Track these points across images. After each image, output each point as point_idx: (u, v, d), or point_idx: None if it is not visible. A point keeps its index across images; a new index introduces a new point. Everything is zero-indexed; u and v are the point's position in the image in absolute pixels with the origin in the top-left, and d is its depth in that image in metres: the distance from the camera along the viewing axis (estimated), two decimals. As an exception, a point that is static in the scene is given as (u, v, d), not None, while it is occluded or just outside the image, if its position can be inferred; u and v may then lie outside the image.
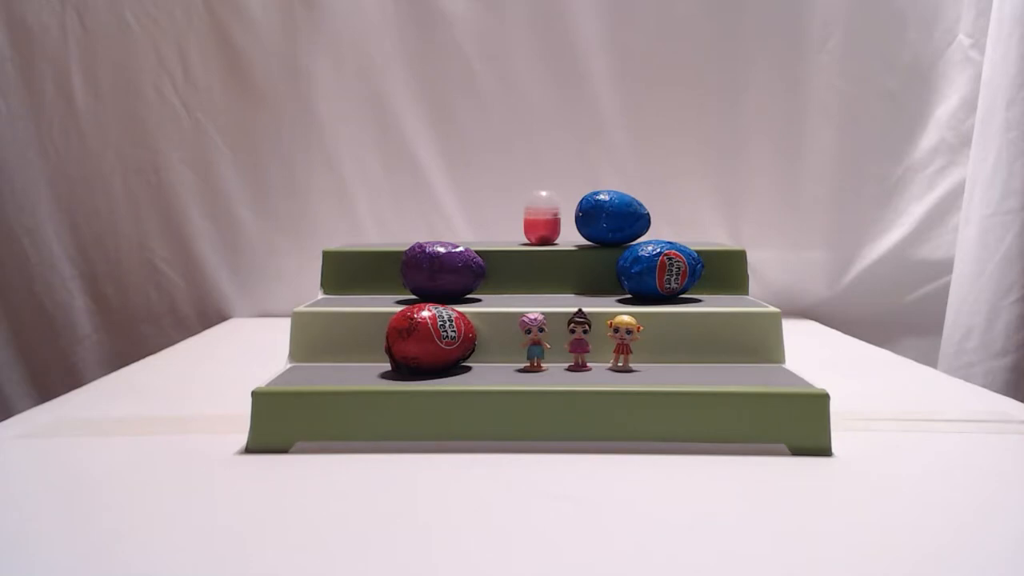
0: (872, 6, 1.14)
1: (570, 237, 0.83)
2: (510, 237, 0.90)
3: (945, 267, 1.14)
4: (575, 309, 0.65)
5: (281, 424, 0.58)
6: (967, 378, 0.93)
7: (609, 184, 1.07)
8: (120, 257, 1.20)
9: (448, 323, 0.62)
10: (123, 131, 1.17)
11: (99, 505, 0.49)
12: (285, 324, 0.70)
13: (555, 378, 0.62)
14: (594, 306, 0.67)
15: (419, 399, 0.58)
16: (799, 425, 0.56)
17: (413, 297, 0.74)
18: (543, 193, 0.83)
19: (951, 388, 0.79)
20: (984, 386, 0.86)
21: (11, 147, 1.16)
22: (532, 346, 0.64)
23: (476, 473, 0.53)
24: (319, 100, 1.17)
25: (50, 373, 1.20)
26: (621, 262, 0.73)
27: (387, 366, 0.65)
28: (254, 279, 1.21)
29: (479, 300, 0.73)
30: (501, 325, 0.67)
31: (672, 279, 0.71)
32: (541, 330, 0.63)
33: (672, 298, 0.73)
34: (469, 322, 0.64)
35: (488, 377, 0.62)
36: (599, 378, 0.62)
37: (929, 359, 1.07)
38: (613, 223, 0.77)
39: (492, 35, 1.16)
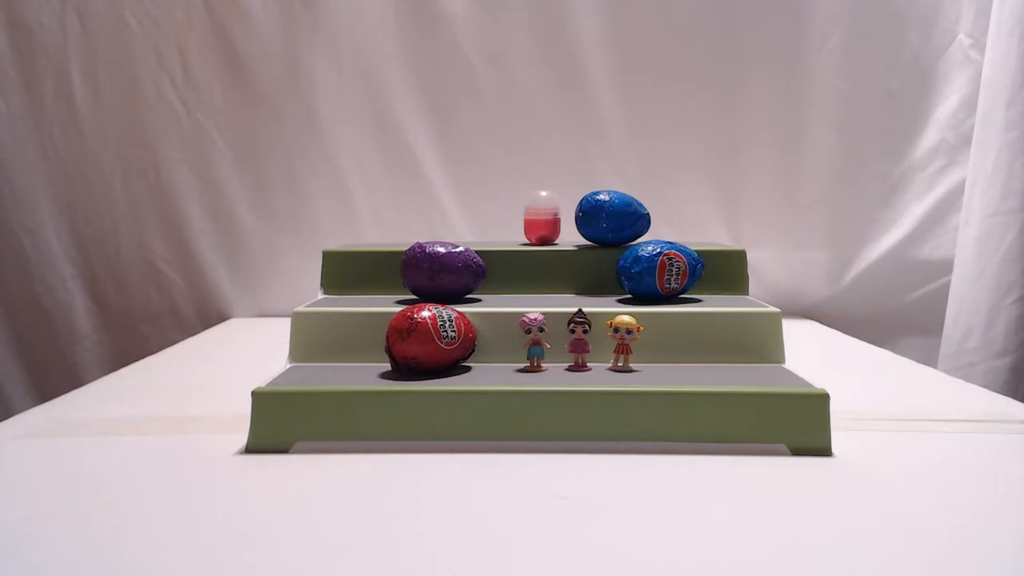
0: (872, 6, 1.14)
1: (570, 237, 0.83)
2: (510, 237, 0.90)
3: (945, 267, 1.14)
4: (575, 309, 0.65)
5: (281, 424, 0.58)
6: (967, 378, 0.93)
7: (609, 184, 1.07)
8: (120, 257, 1.20)
9: (448, 323, 0.62)
10: (123, 131, 1.17)
11: (99, 505, 0.49)
12: (285, 324, 0.70)
13: (555, 378, 0.62)
14: (594, 306, 0.67)
15: (419, 399, 0.58)
16: (799, 425, 0.56)
17: (413, 297, 0.74)
18: (543, 193, 0.83)
19: (951, 388, 0.79)
20: (984, 386, 0.86)
21: (11, 147, 1.16)
22: (532, 346, 0.64)
23: (476, 473, 0.53)
24: (319, 100, 1.17)
25: (50, 373, 1.20)
26: (621, 262, 0.73)
27: (387, 366, 0.65)
28: (254, 279, 1.21)
29: (479, 300, 0.73)
30: (501, 325, 0.67)
31: (672, 279, 0.71)
32: (541, 330, 0.63)
33: (672, 298, 0.73)
34: (469, 322, 0.64)
35: (488, 377, 0.62)
36: (599, 378, 0.62)
37: (929, 359, 1.07)
38: (613, 223, 0.77)
39: (492, 35, 1.16)
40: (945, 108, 1.15)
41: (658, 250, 0.71)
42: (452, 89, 1.17)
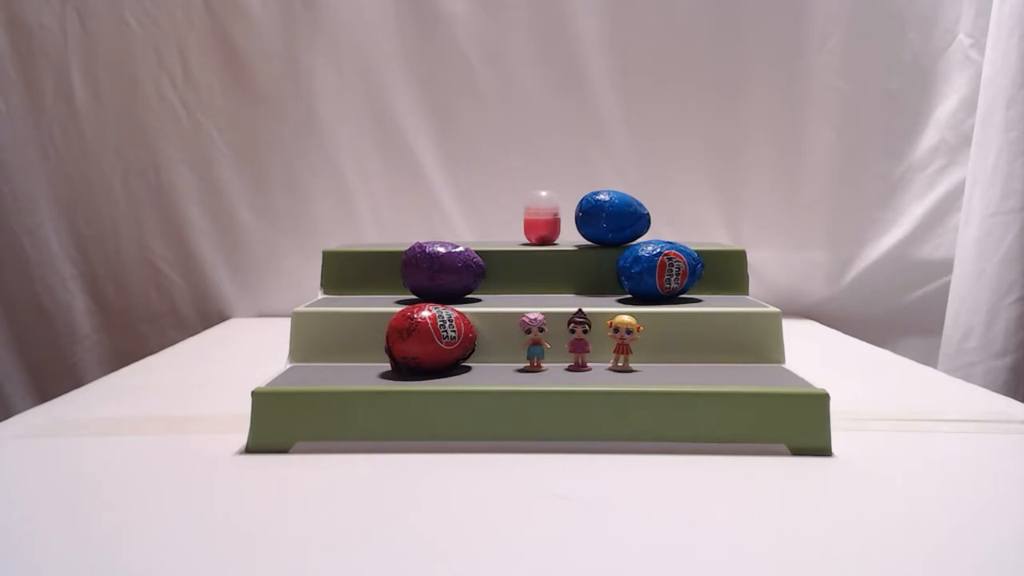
0: (872, 6, 1.14)
1: (570, 237, 0.83)
2: (510, 237, 0.90)
3: (945, 267, 1.14)
4: (575, 309, 0.65)
5: (281, 424, 0.58)
6: (967, 378, 0.93)
7: (609, 184, 1.07)
8: (120, 257, 1.20)
9: (448, 323, 0.62)
10: (123, 131, 1.17)
11: (99, 505, 0.49)
12: (285, 324, 0.70)
13: (555, 378, 0.62)
14: (594, 306, 0.67)
15: (419, 399, 0.58)
16: (799, 425, 0.56)
17: (413, 297, 0.74)
18: (543, 193, 0.83)
19: (951, 388, 0.79)
20: (984, 386, 0.86)
21: (11, 147, 1.16)
22: (532, 346, 0.64)
23: (476, 473, 0.53)
24: (319, 100, 1.17)
25: (50, 373, 1.20)
26: (621, 262, 0.73)
27: (387, 366, 0.65)
28: (254, 279, 1.21)
29: (479, 300, 0.73)
30: (501, 325, 0.67)
31: (672, 279, 0.71)
32: (541, 330, 0.63)
33: (672, 298, 0.73)
34: (469, 322, 0.64)
35: (488, 377, 0.62)
36: (599, 378, 0.62)
37: (929, 359, 1.07)
38: (613, 223, 0.77)
39: (492, 35, 1.16)
40: (945, 108, 1.15)
41: (658, 250, 0.71)
42: (452, 89, 1.17)
